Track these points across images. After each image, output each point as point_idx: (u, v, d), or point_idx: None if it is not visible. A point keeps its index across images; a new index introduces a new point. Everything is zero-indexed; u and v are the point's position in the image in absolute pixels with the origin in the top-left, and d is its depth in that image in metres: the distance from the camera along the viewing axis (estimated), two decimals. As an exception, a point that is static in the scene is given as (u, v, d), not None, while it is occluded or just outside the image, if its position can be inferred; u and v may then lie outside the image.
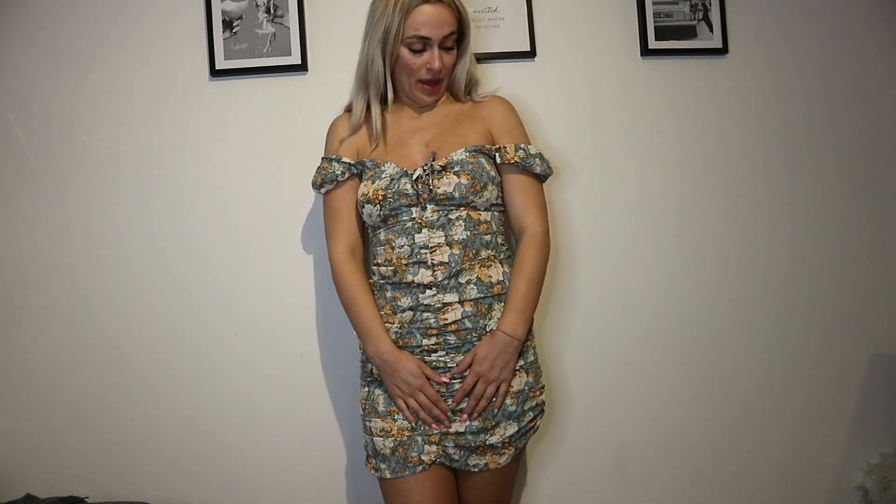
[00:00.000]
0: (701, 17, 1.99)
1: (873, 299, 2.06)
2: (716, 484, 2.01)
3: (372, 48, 1.69)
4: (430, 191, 1.64)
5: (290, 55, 1.90)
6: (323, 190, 1.75)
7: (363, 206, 1.68)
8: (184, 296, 1.91)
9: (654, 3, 1.97)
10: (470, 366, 1.63)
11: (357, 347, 1.77)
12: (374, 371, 1.69)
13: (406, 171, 1.67)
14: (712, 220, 2.01)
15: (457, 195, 1.63)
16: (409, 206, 1.65)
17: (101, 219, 1.91)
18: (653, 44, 1.97)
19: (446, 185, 1.64)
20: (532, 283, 1.67)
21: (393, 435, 1.65)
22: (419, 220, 1.65)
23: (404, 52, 1.67)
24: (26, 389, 1.90)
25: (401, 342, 1.66)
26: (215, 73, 1.90)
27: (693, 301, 2.01)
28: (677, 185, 2.00)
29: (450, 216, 1.65)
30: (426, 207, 1.65)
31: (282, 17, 1.90)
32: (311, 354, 1.93)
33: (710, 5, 1.98)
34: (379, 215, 1.66)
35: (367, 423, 1.69)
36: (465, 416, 1.64)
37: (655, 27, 1.97)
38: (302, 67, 1.91)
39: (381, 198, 1.65)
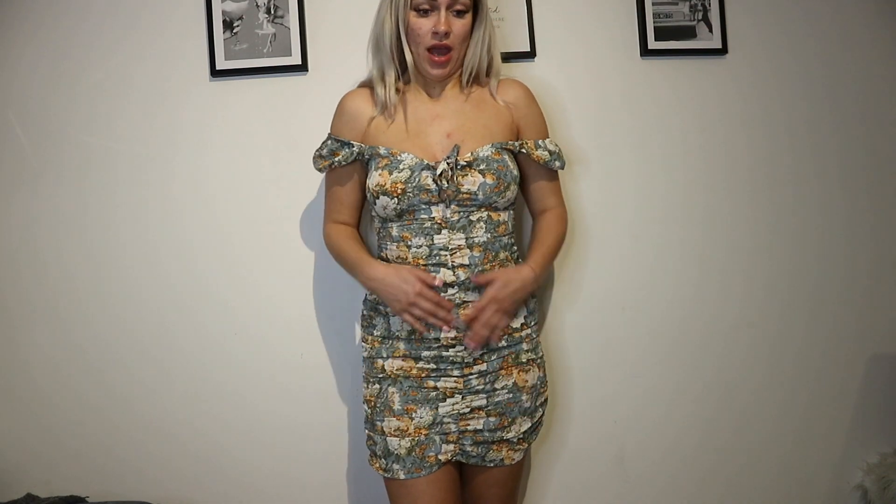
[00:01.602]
0: (700, 17, 1.99)
1: (873, 299, 2.06)
2: (716, 483, 2.02)
3: (383, 12, 1.65)
4: (455, 189, 1.60)
5: (290, 55, 1.90)
6: (323, 171, 1.74)
7: (377, 197, 1.62)
8: (184, 295, 1.91)
9: (653, 4, 1.97)
10: (485, 286, 1.61)
11: (358, 347, 1.77)
12: (387, 368, 1.65)
13: (427, 163, 1.61)
14: (712, 220, 2.01)
15: (481, 195, 1.61)
16: (429, 203, 1.61)
17: (100, 218, 1.91)
18: (652, 44, 1.97)
19: (471, 183, 1.60)
20: (558, 243, 1.75)
21: (410, 434, 1.62)
22: (439, 221, 1.62)
23: (412, 16, 1.62)
24: (27, 389, 1.90)
25: (416, 335, 1.64)
26: (215, 73, 1.90)
27: (693, 301, 2.01)
28: (677, 186, 2.00)
29: (471, 217, 1.62)
30: (448, 206, 1.61)
31: (282, 17, 1.90)
32: (311, 354, 1.93)
33: (710, 6, 1.98)
34: (395, 209, 1.62)
35: (378, 423, 1.65)
36: (471, 343, 1.60)
37: (655, 27, 1.97)
38: (302, 67, 1.91)
39: (399, 191, 1.60)
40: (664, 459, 2.00)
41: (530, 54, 1.94)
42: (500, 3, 1.92)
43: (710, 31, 1.99)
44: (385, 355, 1.66)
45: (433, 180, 1.59)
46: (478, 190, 1.60)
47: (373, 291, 1.66)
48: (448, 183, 1.59)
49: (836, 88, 2.05)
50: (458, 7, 1.62)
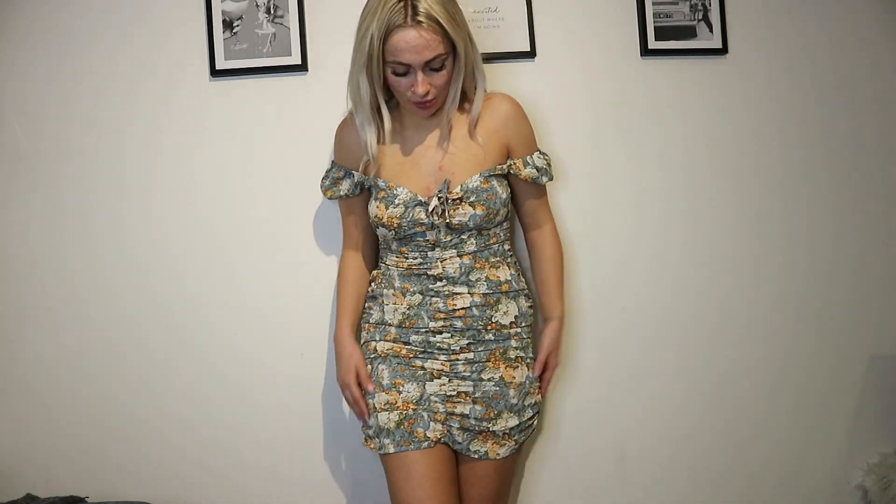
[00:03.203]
0: (701, 17, 1.99)
1: (872, 299, 2.06)
2: (715, 483, 2.01)
3: (357, 69, 1.61)
4: (447, 222, 1.65)
5: (290, 55, 1.90)
6: (331, 200, 1.81)
7: (377, 227, 1.71)
8: (185, 295, 1.92)
9: (654, 4, 1.97)
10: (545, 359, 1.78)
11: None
12: (378, 349, 1.72)
13: (420, 199, 1.66)
14: (711, 220, 2.01)
15: (471, 224, 1.66)
16: (424, 231, 1.67)
17: (101, 218, 1.91)
18: (653, 44, 1.97)
19: (461, 215, 1.65)
20: (562, 269, 1.83)
21: (398, 408, 1.67)
22: (433, 242, 1.68)
23: (389, 74, 1.59)
24: (27, 389, 1.90)
25: (407, 323, 1.70)
26: (215, 73, 1.90)
27: (692, 301, 2.01)
28: (677, 185, 2.00)
29: (462, 237, 1.68)
30: (441, 231, 1.67)
31: (282, 17, 1.90)
32: (311, 354, 1.93)
33: (710, 5, 1.98)
34: (393, 238, 1.70)
35: (371, 401, 1.70)
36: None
37: (655, 27, 1.97)
38: (302, 67, 1.91)
39: (396, 225, 1.67)
40: (664, 459, 2.00)
41: (530, 54, 1.94)
42: (500, 3, 1.92)
43: (711, 31, 1.99)
44: (378, 338, 1.73)
45: (426, 215, 1.65)
46: (468, 220, 1.66)
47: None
48: (439, 218, 1.64)
49: (836, 88, 2.04)
50: (434, 65, 1.57)
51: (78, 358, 1.91)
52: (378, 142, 1.68)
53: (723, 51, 1.99)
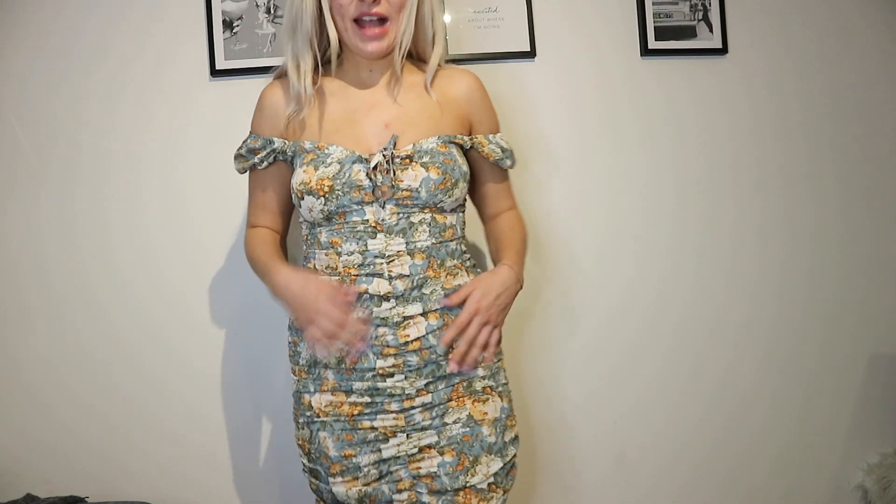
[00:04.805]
0: (701, 17, 1.99)
1: (873, 299, 2.07)
2: (715, 484, 2.02)
3: None
4: (392, 185, 1.35)
5: (291, 55, 1.90)
6: (243, 172, 1.54)
7: (302, 198, 1.38)
8: (184, 295, 1.91)
9: (654, 4, 1.97)
10: (463, 301, 1.39)
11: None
12: (314, 405, 1.42)
13: (360, 156, 1.36)
14: (711, 219, 2.01)
15: (423, 193, 1.36)
16: (362, 203, 1.36)
17: (100, 219, 1.91)
18: (653, 44, 1.97)
19: (412, 178, 1.35)
20: (525, 242, 1.54)
21: (357, 487, 1.40)
22: (374, 224, 1.37)
23: None
24: (27, 389, 1.90)
25: (348, 362, 1.38)
26: (215, 73, 1.90)
27: (693, 301, 2.01)
28: (676, 185, 2.00)
29: (412, 219, 1.37)
30: (384, 206, 1.37)
31: (282, 17, 1.90)
32: (311, 354, 1.93)
33: (710, 5, 1.98)
34: (322, 211, 1.37)
35: (319, 468, 1.44)
36: (455, 365, 1.38)
37: (655, 27, 1.97)
38: (302, 67, 1.91)
39: (327, 189, 1.35)
40: (663, 460, 2.00)
41: (530, 54, 1.94)
42: (500, 3, 1.92)
43: (711, 30, 1.99)
44: (312, 389, 1.43)
45: (366, 175, 1.35)
46: (420, 186, 1.36)
47: (281, 302, 1.41)
48: (384, 177, 1.35)
49: (835, 88, 2.05)
50: None
51: (77, 358, 1.90)
52: (315, 77, 1.43)
53: (723, 51, 2.00)
